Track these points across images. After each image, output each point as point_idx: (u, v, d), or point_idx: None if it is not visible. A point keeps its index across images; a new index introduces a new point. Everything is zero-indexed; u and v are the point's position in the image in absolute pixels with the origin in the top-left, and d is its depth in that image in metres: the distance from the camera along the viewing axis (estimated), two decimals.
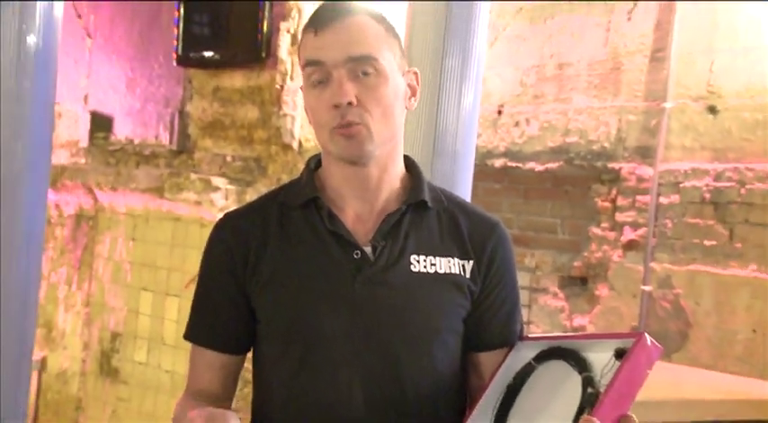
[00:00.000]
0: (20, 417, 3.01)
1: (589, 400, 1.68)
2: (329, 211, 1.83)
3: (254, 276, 1.83)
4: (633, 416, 1.64)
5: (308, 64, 1.80)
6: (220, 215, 2.11)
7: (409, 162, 1.93)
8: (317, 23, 1.81)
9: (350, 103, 1.75)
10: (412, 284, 1.82)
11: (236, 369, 1.93)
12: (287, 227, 1.85)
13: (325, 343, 1.79)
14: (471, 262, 1.88)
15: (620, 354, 1.70)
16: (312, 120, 1.85)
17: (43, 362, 7.59)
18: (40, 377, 7.58)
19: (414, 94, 1.88)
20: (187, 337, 1.93)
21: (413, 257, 1.83)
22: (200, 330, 1.92)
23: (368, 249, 1.81)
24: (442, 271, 1.85)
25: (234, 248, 1.86)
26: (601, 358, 1.74)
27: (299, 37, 5.74)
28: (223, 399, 1.90)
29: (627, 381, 1.66)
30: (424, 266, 1.84)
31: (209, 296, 1.91)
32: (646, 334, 1.71)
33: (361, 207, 1.85)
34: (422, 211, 1.87)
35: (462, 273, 1.86)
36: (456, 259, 1.87)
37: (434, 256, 1.85)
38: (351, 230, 1.83)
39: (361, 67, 1.77)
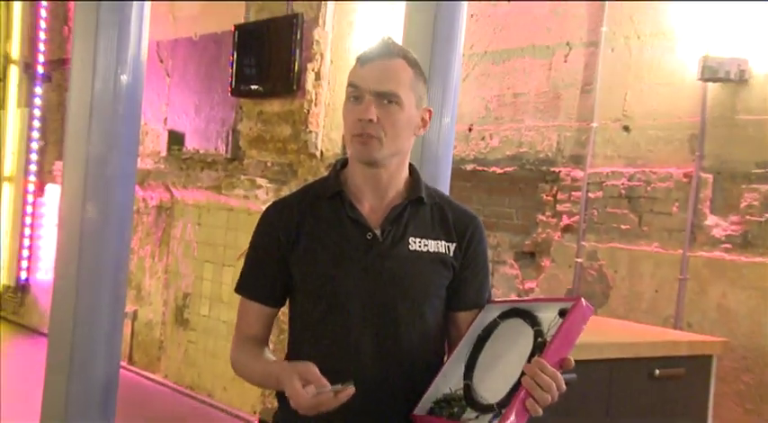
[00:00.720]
0: (116, 353, 3.01)
1: (539, 347, 1.69)
2: (350, 202, 1.85)
3: (293, 248, 1.85)
4: (571, 358, 1.66)
5: (350, 85, 1.84)
6: (263, 206, 2.14)
7: (412, 169, 1.94)
8: (364, 58, 1.85)
9: (370, 120, 1.78)
10: (410, 259, 1.84)
11: (273, 318, 1.95)
12: (318, 212, 1.86)
13: (344, 299, 1.81)
14: (454, 244, 1.89)
15: (562, 313, 1.72)
16: (344, 125, 1.86)
17: (135, 314, 7.61)
18: (132, 325, 7.60)
19: (424, 125, 1.90)
20: (239, 291, 1.94)
21: (411, 239, 1.85)
22: (249, 287, 1.93)
23: (378, 232, 1.83)
24: (432, 250, 1.86)
25: (279, 226, 1.87)
26: (548, 316, 1.75)
27: (322, 75, 5.67)
28: (264, 340, 1.94)
29: (567, 333, 1.68)
30: (419, 246, 1.86)
31: (258, 261, 1.92)
32: (582, 298, 1.73)
33: (374, 200, 1.87)
34: (419, 205, 1.89)
35: (447, 252, 1.88)
36: (443, 242, 1.88)
37: (427, 239, 1.87)
38: (366, 217, 1.84)
39: (386, 97, 1.80)
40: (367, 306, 1.80)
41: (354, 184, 1.87)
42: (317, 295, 1.83)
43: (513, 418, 1.61)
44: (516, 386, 1.65)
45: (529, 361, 1.66)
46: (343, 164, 1.94)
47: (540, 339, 1.71)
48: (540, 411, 1.62)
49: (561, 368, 1.65)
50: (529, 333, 1.75)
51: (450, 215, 1.92)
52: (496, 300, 1.96)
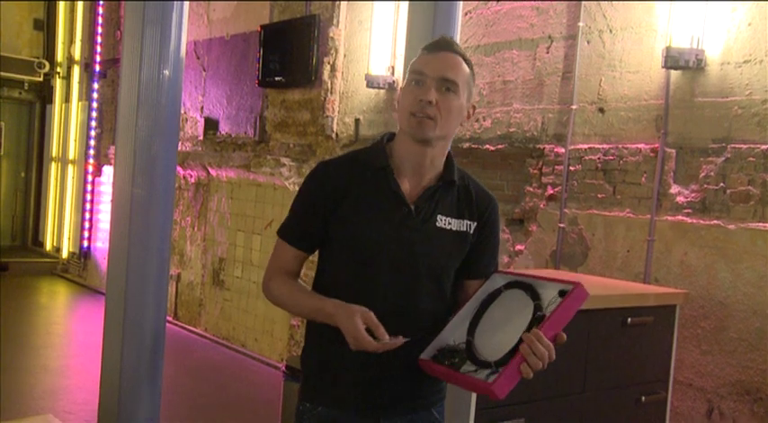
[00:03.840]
0: (163, 310, 3.03)
1: (537, 320, 1.69)
2: (394, 177, 1.83)
3: (337, 208, 1.82)
4: (563, 334, 1.66)
5: (414, 72, 1.80)
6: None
7: (449, 154, 1.92)
8: (431, 47, 1.82)
9: (430, 102, 1.76)
10: (435, 235, 1.83)
11: (304, 262, 1.91)
12: (364, 180, 1.83)
13: (375, 259, 1.80)
14: (475, 223, 1.88)
15: (562, 293, 1.71)
16: (399, 106, 1.83)
17: (178, 276, 7.65)
18: (176, 286, 7.65)
19: (468, 117, 1.88)
20: (281, 234, 1.91)
21: (439, 217, 1.84)
22: (291, 233, 1.89)
23: (413, 208, 1.82)
24: (455, 229, 1.86)
25: (325, 185, 1.84)
26: (548, 293, 1.74)
27: (336, 67, 5.65)
28: (297, 275, 1.92)
29: (564, 311, 1.68)
30: (445, 224, 1.84)
31: (303, 212, 1.87)
32: (581, 284, 1.72)
33: (414, 178, 1.85)
34: (450, 186, 1.87)
35: (468, 229, 1.87)
36: (466, 220, 1.87)
37: (452, 218, 1.86)
38: (405, 193, 1.83)
39: (446, 84, 1.78)
40: (393, 269, 1.80)
41: (399, 160, 1.84)
42: (352, 250, 1.81)
43: (508, 376, 1.62)
44: (513, 350, 1.64)
45: (528, 330, 1.66)
46: (389, 138, 1.91)
47: (539, 313, 1.70)
48: (531, 375, 1.62)
49: (554, 342, 1.64)
50: (528, 305, 1.74)
51: (474, 194, 1.90)
52: (502, 270, 1.95)
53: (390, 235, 1.79)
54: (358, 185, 1.82)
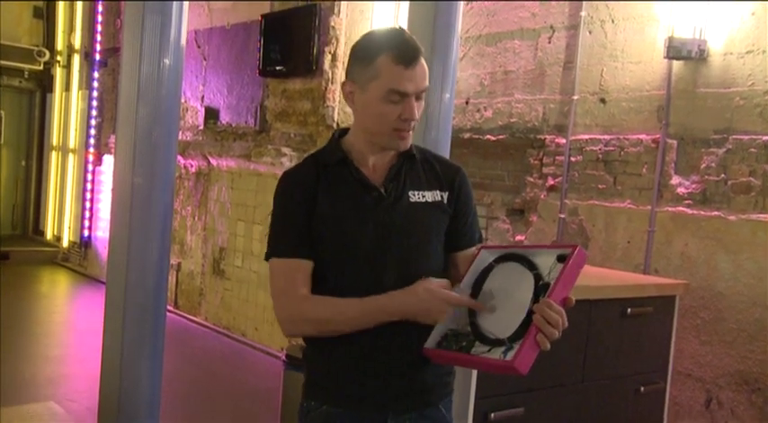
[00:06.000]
0: (163, 299, 3.04)
1: (543, 289, 1.65)
2: (355, 167, 1.81)
3: (313, 209, 1.78)
4: (572, 297, 1.63)
5: (396, 92, 1.71)
6: None
7: None
8: (407, 61, 1.70)
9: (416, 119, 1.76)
10: (412, 210, 1.81)
11: (311, 273, 1.78)
12: (328, 178, 1.81)
13: (361, 249, 1.77)
14: (447, 192, 1.86)
15: (561, 258, 1.67)
16: (374, 119, 1.75)
17: (179, 266, 7.66)
18: (177, 275, 7.66)
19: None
20: (279, 255, 1.78)
21: (410, 193, 1.82)
22: (288, 246, 1.77)
23: (382, 190, 1.80)
24: (429, 200, 1.83)
25: (298, 189, 1.80)
26: (545, 261, 1.70)
27: (337, 56, 5.61)
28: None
29: (569, 275, 1.64)
30: (418, 198, 1.82)
31: (290, 222, 1.79)
32: (579, 245, 1.68)
33: (375, 161, 1.83)
34: (412, 161, 1.85)
35: (442, 200, 1.85)
36: (437, 191, 1.85)
37: (424, 191, 1.83)
38: (370, 178, 1.81)
39: (421, 94, 1.76)
40: (380, 251, 1.77)
41: (357, 151, 1.83)
42: (336, 248, 1.78)
43: (527, 350, 1.57)
44: (525, 323, 1.61)
45: (535, 301, 1.62)
46: (341, 133, 1.89)
47: (541, 282, 1.66)
48: (549, 346, 1.58)
49: (564, 307, 1.61)
50: (527, 276, 1.70)
51: (438, 167, 1.89)
52: (490, 245, 1.90)
53: (367, 224, 1.77)
54: (324, 185, 1.80)
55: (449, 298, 1.72)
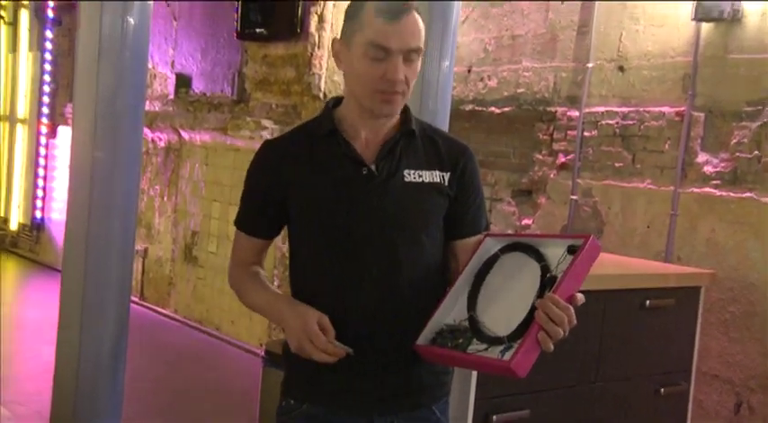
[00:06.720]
0: (127, 289, 3.03)
1: (549, 282, 1.64)
2: (345, 140, 1.81)
3: (291, 186, 1.81)
4: (581, 295, 1.61)
5: (377, 46, 1.70)
6: None
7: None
8: (389, 14, 1.70)
9: (400, 81, 1.73)
10: (406, 191, 1.80)
11: (268, 246, 1.98)
12: (314, 151, 1.82)
13: (345, 232, 1.78)
14: (448, 173, 1.85)
15: (571, 250, 1.67)
16: (357, 79, 1.77)
17: (145, 252, 7.66)
18: (143, 262, 7.66)
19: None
20: (237, 225, 1.96)
21: (406, 172, 1.81)
22: (245, 222, 1.94)
23: (373, 167, 1.79)
24: (427, 181, 1.82)
25: (274, 164, 1.84)
26: (554, 253, 1.70)
27: (325, 18, 5.59)
28: (259, 265, 1.98)
29: (578, 269, 1.63)
30: (414, 178, 1.81)
31: (253, 199, 1.91)
32: (593, 235, 1.68)
33: (368, 136, 1.83)
34: (411, 137, 1.84)
35: (442, 181, 1.84)
36: (437, 171, 1.84)
37: (422, 170, 1.83)
38: (361, 154, 1.80)
39: (412, 54, 1.74)
40: (366, 238, 1.77)
41: (349, 123, 1.83)
42: (317, 231, 1.81)
43: (526, 350, 1.56)
44: (527, 320, 1.61)
45: (540, 296, 1.62)
46: (335, 103, 1.89)
47: (548, 275, 1.67)
48: (551, 346, 1.57)
49: (571, 304, 1.59)
50: (533, 267, 1.71)
51: (442, 145, 1.88)
52: (496, 233, 1.91)
53: (353, 205, 1.78)
54: (308, 159, 1.81)
55: (309, 333, 1.71)
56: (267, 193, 1.86)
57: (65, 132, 8.84)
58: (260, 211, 1.90)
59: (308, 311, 1.73)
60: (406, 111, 1.87)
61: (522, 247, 1.77)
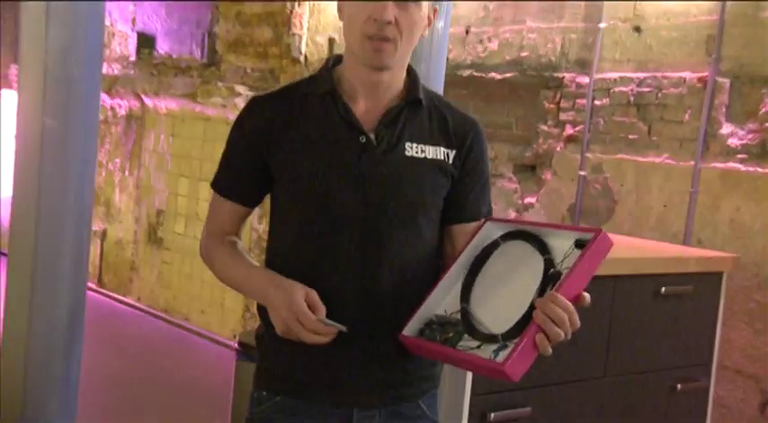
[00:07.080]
0: (83, 275, 3.02)
1: (553, 278, 1.64)
2: (343, 102, 1.80)
3: (277, 148, 1.80)
4: (587, 295, 1.60)
5: None
6: None
7: (410, 68, 1.88)
8: None
9: (389, 22, 1.71)
10: (405, 166, 1.80)
11: (247, 216, 1.95)
12: (308, 111, 1.81)
13: (332, 205, 1.77)
14: (454, 151, 1.85)
15: (580, 244, 1.66)
16: (347, 24, 1.78)
17: (104, 233, 7.64)
18: (101, 245, 7.64)
19: (429, 25, 1.83)
20: (214, 187, 1.94)
21: (407, 144, 1.81)
22: (225, 184, 1.91)
23: (372, 136, 1.78)
24: (430, 157, 1.82)
25: (261, 124, 1.83)
26: (561, 245, 1.70)
27: None
28: (236, 235, 1.96)
29: (586, 266, 1.62)
30: (416, 152, 1.81)
31: (236, 159, 1.89)
32: (603, 230, 1.67)
33: (369, 101, 1.82)
34: (417, 107, 1.84)
35: (446, 159, 1.84)
36: (442, 148, 1.84)
37: (425, 145, 1.83)
38: (359, 119, 1.80)
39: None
40: (356, 213, 1.77)
41: (349, 83, 1.83)
42: (303, 200, 1.80)
43: (522, 352, 1.56)
44: (525, 318, 1.60)
45: (541, 293, 1.61)
46: (335, 61, 1.88)
47: (552, 270, 1.66)
48: (550, 350, 1.55)
49: (576, 305, 1.58)
50: (537, 260, 1.70)
51: (450, 119, 1.88)
52: (497, 218, 1.90)
53: (345, 175, 1.77)
54: (300, 120, 1.81)
55: (298, 313, 1.69)
56: (250, 153, 1.84)
57: (9, 96, 8.78)
58: (241, 172, 1.88)
59: (294, 286, 1.71)
60: (413, 77, 1.87)
61: (526, 235, 1.77)
